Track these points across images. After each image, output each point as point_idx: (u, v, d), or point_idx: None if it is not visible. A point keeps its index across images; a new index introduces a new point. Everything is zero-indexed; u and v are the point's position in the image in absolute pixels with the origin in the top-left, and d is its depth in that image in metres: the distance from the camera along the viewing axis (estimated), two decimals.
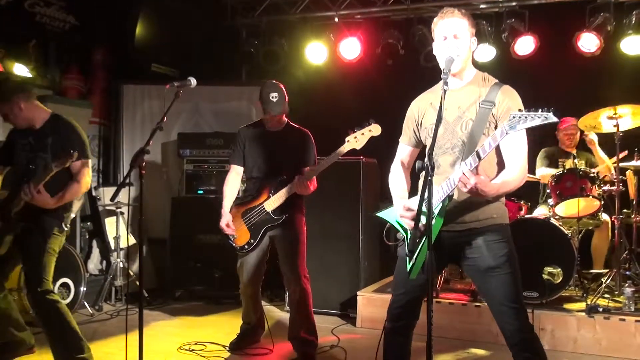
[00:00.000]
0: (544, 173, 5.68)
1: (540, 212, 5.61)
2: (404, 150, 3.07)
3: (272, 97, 4.16)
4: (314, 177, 4.11)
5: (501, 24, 6.36)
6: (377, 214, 3.04)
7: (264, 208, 4.15)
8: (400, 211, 2.79)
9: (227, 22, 7.30)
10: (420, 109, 2.94)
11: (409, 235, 2.78)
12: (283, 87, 4.23)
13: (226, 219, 4.19)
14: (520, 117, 2.34)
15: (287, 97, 4.23)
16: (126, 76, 6.91)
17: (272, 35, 7.05)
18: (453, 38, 2.73)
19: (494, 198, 2.73)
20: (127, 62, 6.92)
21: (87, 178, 3.86)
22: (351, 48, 6.70)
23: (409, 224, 2.75)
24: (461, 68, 2.77)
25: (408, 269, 2.71)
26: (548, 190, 5.32)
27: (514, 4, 6.36)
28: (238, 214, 4.22)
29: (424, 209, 2.42)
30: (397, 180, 3.02)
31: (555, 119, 2.29)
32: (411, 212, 2.72)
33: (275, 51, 6.98)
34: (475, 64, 2.89)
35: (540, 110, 2.32)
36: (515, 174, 2.66)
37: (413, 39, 6.50)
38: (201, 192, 6.35)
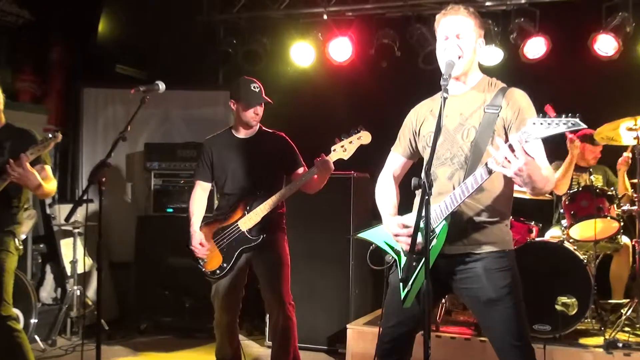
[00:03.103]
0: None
1: (553, 234, 5.63)
2: (397, 161, 3.07)
3: (254, 87, 4.22)
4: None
5: (509, 23, 6.41)
6: (359, 235, 3.01)
7: (239, 227, 4.13)
8: (393, 229, 2.76)
9: (203, 18, 7.30)
10: (419, 117, 2.95)
11: (402, 258, 2.76)
12: None
13: (198, 237, 4.16)
14: (542, 124, 2.29)
15: None
16: (87, 78, 6.90)
17: (253, 33, 7.07)
18: (455, 38, 2.75)
19: (498, 218, 2.72)
20: (88, 62, 6.93)
21: (54, 180, 3.93)
22: (341, 49, 6.72)
23: (404, 244, 2.72)
24: (463, 71, 2.78)
25: (402, 297, 2.69)
26: (561, 210, 5.33)
27: (523, 1, 6.41)
28: (209, 235, 4.20)
29: (422, 230, 2.41)
30: (386, 194, 3.00)
31: (583, 126, 2.25)
32: (407, 230, 2.70)
33: (256, 51, 6.98)
34: (481, 69, 2.91)
35: (563, 116, 2.26)
36: (550, 174, 2.60)
37: (411, 39, 6.51)
38: (171, 210, 6.32)
